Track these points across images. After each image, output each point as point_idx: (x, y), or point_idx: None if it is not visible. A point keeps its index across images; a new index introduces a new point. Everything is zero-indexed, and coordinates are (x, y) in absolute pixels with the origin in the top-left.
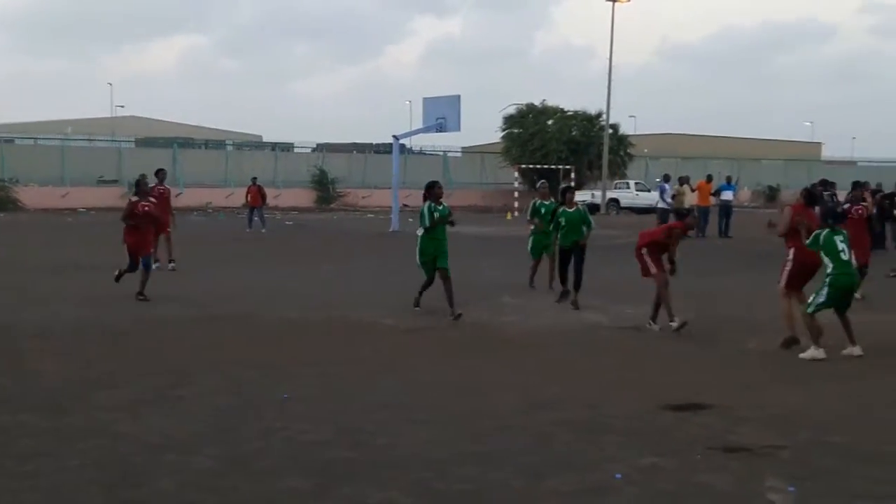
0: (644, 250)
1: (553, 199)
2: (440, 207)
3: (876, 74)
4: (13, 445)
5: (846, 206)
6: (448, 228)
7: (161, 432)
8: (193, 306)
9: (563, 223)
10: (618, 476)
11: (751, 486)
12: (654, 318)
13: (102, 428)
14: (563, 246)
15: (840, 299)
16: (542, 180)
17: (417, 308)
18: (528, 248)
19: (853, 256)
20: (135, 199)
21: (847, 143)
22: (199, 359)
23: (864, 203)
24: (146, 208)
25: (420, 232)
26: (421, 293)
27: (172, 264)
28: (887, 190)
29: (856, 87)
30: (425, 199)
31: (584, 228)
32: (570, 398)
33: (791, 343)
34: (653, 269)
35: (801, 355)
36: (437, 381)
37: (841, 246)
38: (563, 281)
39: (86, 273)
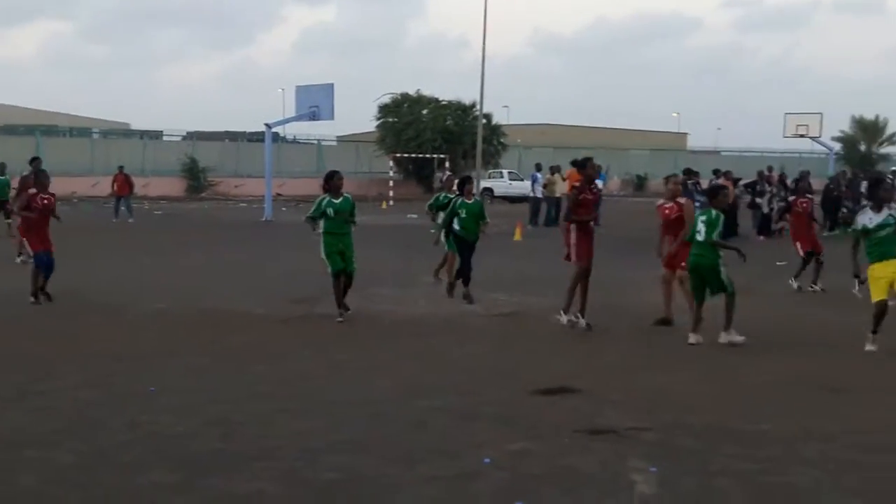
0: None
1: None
2: (337, 201)
3: (738, 67)
4: None
5: (792, 198)
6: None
7: (21, 429)
8: (58, 299)
9: (463, 215)
10: (487, 461)
11: (615, 467)
12: (575, 311)
13: None
14: (465, 238)
15: (694, 280)
16: (449, 173)
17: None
18: (444, 240)
19: (800, 247)
20: (33, 191)
21: (712, 133)
22: (63, 352)
23: (809, 196)
24: (45, 201)
25: (318, 230)
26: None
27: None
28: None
29: (720, 80)
30: (324, 190)
31: (481, 221)
32: (443, 385)
33: (664, 323)
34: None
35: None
36: (309, 371)
37: (699, 226)
38: (463, 275)
39: None
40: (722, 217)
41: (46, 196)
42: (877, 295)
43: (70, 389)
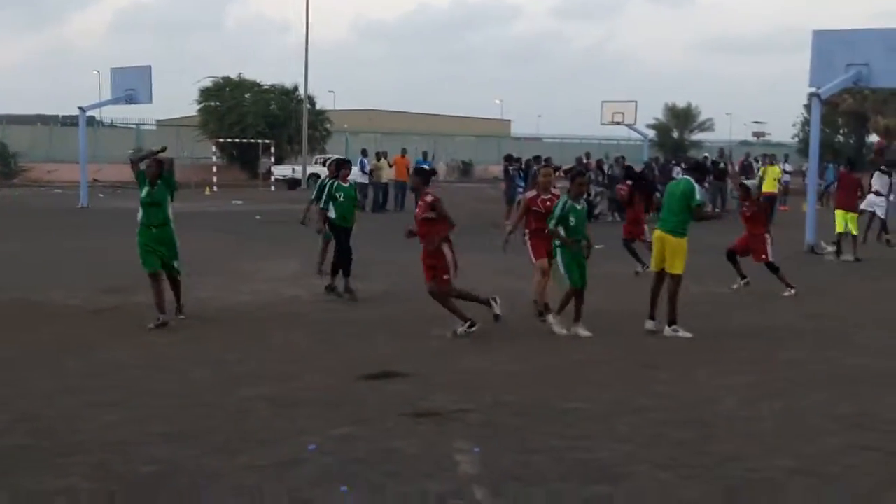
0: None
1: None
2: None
3: (557, 55)
4: None
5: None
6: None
7: None
8: None
9: (341, 198)
10: (312, 447)
11: (439, 448)
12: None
13: None
14: (342, 225)
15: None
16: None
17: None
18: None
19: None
20: None
21: (533, 120)
22: None
23: (747, 204)
24: None
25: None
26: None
27: None
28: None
29: (540, 67)
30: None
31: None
32: (264, 373)
33: (544, 311)
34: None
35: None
36: (124, 362)
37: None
38: (343, 265)
39: None
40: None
41: None
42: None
43: None
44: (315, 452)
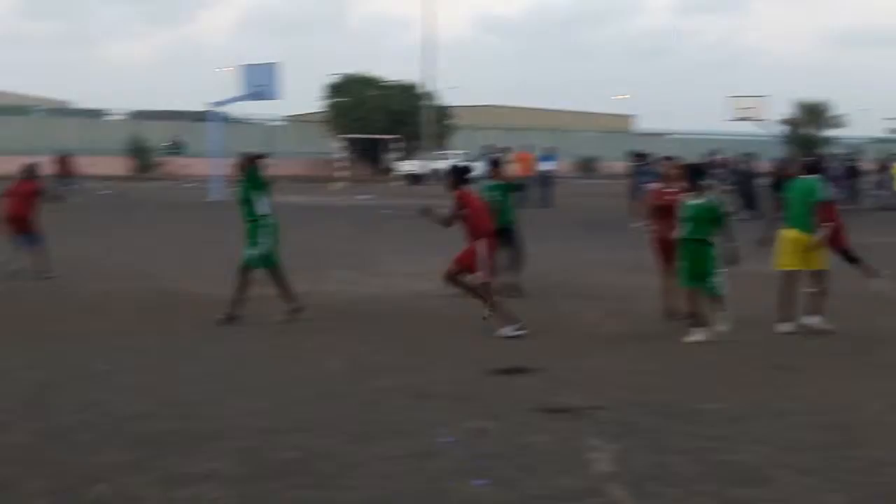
0: None
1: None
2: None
3: (681, 50)
4: None
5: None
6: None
7: None
8: (3, 279)
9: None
10: (448, 440)
11: (572, 445)
12: None
13: None
14: (501, 224)
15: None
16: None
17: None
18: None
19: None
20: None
21: (656, 116)
22: (11, 333)
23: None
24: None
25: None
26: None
27: None
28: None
29: (663, 63)
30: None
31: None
32: (396, 365)
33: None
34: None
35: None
36: (259, 351)
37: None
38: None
39: None
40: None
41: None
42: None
43: (21, 369)
44: (448, 445)
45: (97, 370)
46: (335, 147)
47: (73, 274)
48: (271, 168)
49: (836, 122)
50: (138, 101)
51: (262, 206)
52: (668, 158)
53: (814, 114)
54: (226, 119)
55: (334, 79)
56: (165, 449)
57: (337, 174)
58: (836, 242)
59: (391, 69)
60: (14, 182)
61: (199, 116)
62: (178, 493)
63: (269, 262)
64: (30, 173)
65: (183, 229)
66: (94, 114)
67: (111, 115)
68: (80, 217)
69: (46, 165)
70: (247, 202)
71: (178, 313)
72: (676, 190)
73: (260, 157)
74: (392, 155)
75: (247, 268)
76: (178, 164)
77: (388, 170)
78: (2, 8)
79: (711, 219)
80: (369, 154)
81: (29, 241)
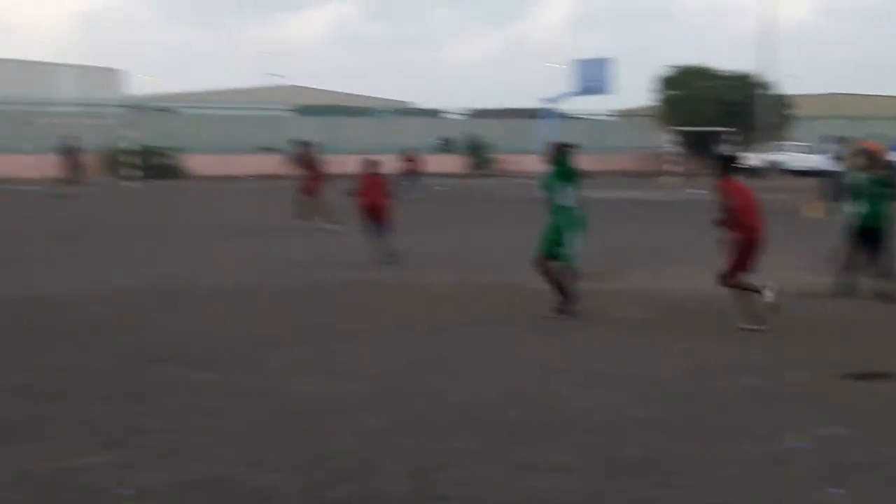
0: None
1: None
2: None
3: None
4: (199, 401)
5: None
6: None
7: (332, 392)
8: (354, 270)
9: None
10: (801, 445)
11: None
12: None
13: (277, 387)
14: (870, 225)
15: None
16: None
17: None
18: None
19: None
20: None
21: None
22: (363, 322)
23: None
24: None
25: None
26: None
27: (328, 227)
28: None
29: None
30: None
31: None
32: (740, 365)
33: None
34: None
35: None
36: (596, 345)
37: None
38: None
39: (250, 237)
40: None
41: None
42: None
43: (373, 356)
44: (800, 450)
45: (445, 359)
46: (665, 141)
47: (419, 267)
48: (600, 162)
49: None
50: (474, 98)
51: (567, 197)
52: None
53: None
54: (558, 115)
55: (667, 71)
56: (513, 438)
57: (667, 168)
58: None
59: (724, 59)
60: (362, 178)
61: (532, 113)
62: (528, 482)
63: (559, 256)
64: (373, 168)
65: (521, 225)
66: (433, 113)
67: (449, 114)
68: (422, 212)
69: (394, 163)
70: (553, 192)
71: (516, 305)
72: None
73: (569, 146)
74: (725, 148)
75: (549, 259)
76: (511, 160)
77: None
78: (347, 13)
79: None
80: (701, 147)
81: (380, 230)
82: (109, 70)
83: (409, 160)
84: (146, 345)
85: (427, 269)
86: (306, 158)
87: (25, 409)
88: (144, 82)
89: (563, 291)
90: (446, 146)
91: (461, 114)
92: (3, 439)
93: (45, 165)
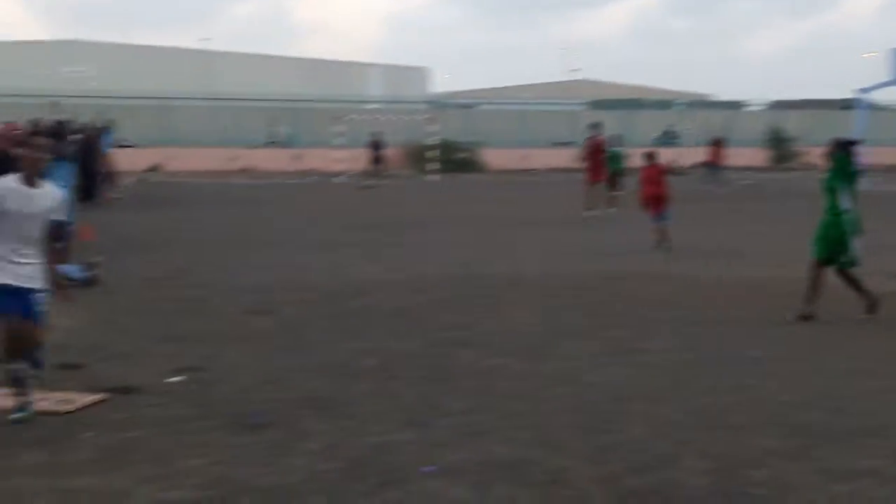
0: None
1: None
2: None
3: None
4: (497, 386)
5: None
6: None
7: (626, 383)
8: (653, 263)
9: None
10: None
11: None
12: None
13: (571, 375)
14: None
15: None
16: None
17: None
18: None
19: None
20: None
21: None
22: (656, 314)
23: None
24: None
25: None
26: None
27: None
28: None
29: None
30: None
31: None
32: None
33: None
34: None
35: None
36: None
37: None
38: None
39: (544, 228)
40: None
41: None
42: None
43: (667, 350)
44: None
45: (743, 355)
46: None
47: (722, 261)
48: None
49: None
50: (777, 90)
51: (846, 199)
52: None
53: None
54: (871, 106)
55: None
56: (820, 440)
57: None
58: None
59: None
60: (643, 169)
61: (842, 104)
62: (836, 486)
63: (842, 259)
64: (651, 159)
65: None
66: (734, 105)
67: (750, 106)
68: (719, 205)
69: (700, 153)
70: (831, 192)
71: (832, 304)
72: None
73: (852, 143)
74: None
75: (829, 263)
76: (816, 153)
77: None
78: (648, 7)
79: None
80: None
81: (660, 218)
82: (415, 69)
83: (714, 150)
84: (447, 330)
85: (711, 261)
86: (593, 145)
87: (334, 386)
88: (447, 80)
89: (861, 291)
90: (668, 138)
91: (763, 105)
92: (314, 413)
93: (354, 159)
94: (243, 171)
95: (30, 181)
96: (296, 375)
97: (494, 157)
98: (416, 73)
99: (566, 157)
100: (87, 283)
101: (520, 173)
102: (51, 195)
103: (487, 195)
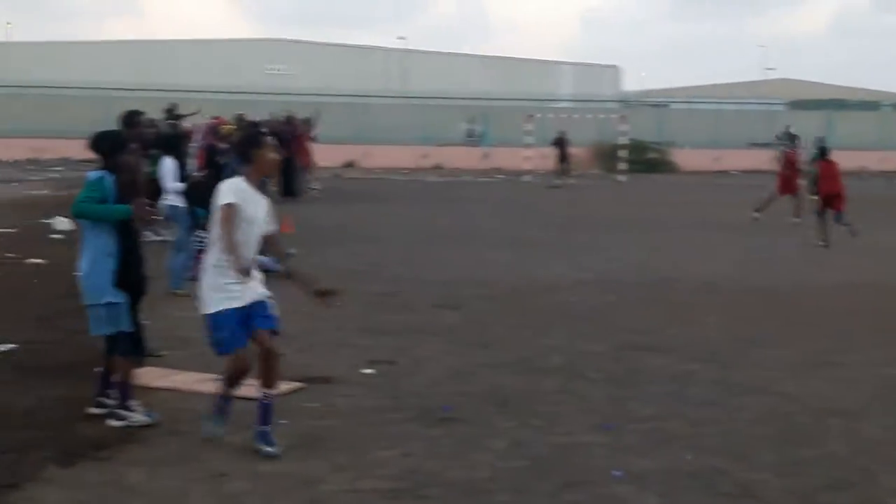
0: None
1: None
2: None
3: None
4: (686, 392)
5: None
6: None
7: (824, 396)
8: (850, 273)
9: None
10: None
11: None
12: None
13: (765, 386)
14: None
15: None
16: None
17: None
18: None
19: None
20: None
21: None
22: (860, 326)
23: None
24: None
25: None
26: None
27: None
28: None
29: None
30: None
31: None
32: None
33: None
34: None
35: None
36: None
37: None
38: None
39: (736, 232)
40: None
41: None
42: None
43: (870, 364)
44: None
45: None
46: None
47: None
48: None
49: None
50: None
51: None
52: None
53: None
54: None
55: None
56: None
57: None
58: None
59: None
60: (820, 166)
61: None
62: None
63: None
64: (823, 154)
65: None
66: None
67: None
68: None
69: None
70: None
71: None
72: None
73: None
74: None
75: None
76: None
77: None
78: (854, 4)
79: None
80: None
81: (837, 218)
82: (606, 67)
83: None
84: (636, 332)
85: None
86: (788, 158)
87: (521, 383)
88: (642, 77)
89: None
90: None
91: None
92: (500, 410)
93: (543, 158)
94: (434, 169)
95: (258, 184)
96: (483, 370)
97: (686, 158)
98: (608, 72)
99: (762, 159)
100: (283, 274)
101: (713, 175)
102: (265, 201)
103: (678, 197)
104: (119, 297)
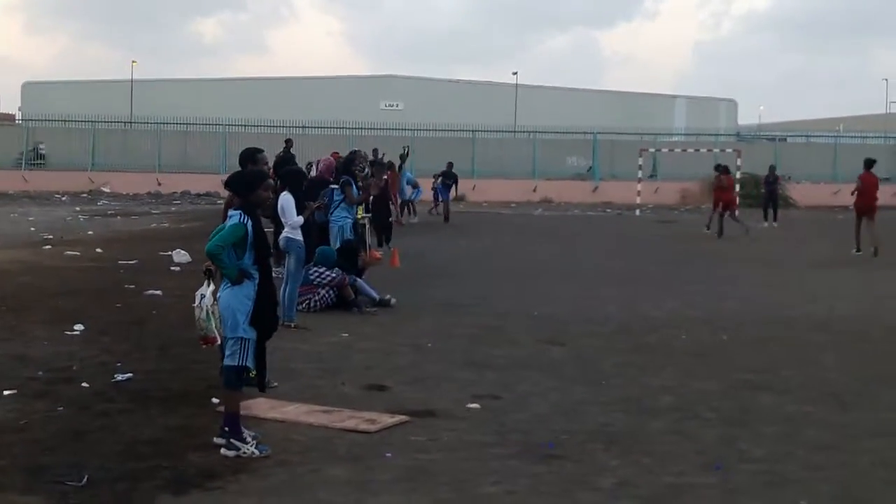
0: None
1: None
2: None
3: None
4: (801, 434)
5: None
6: None
7: None
8: None
9: None
10: None
11: None
12: None
13: (885, 428)
14: None
15: None
16: None
17: None
18: None
19: None
20: None
21: None
22: None
23: None
24: None
25: None
26: None
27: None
28: None
29: None
30: None
31: None
32: None
33: None
34: None
35: None
36: None
37: None
38: None
39: (854, 269)
40: None
41: None
42: None
43: None
44: None
45: None
46: None
47: None
48: None
49: None
50: None
51: None
52: None
53: None
54: None
55: None
56: None
57: None
58: None
59: None
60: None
61: None
62: None
63: None
64: (869, 166)
65: None
66: None
67: None
68: None
69: None
70: None
71: None
72: None
73: None
74: None
75: None
76: None
77: None
78: None
79: None
80: None
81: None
82: (721, 100)
83: None
84: (748, 371)
85: None
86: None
87: (628, 421)
88: (755, 111)
89: None
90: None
91: None
92: (607, 448)
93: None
94: (543, 202)
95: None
96: (589, 408)
97: (803, 192)
98: (723, 105)
99: (885, 195)
100: (383, 304)
101: (831, 210)
102: None
103: (794, 233)
104: (250, 334)
